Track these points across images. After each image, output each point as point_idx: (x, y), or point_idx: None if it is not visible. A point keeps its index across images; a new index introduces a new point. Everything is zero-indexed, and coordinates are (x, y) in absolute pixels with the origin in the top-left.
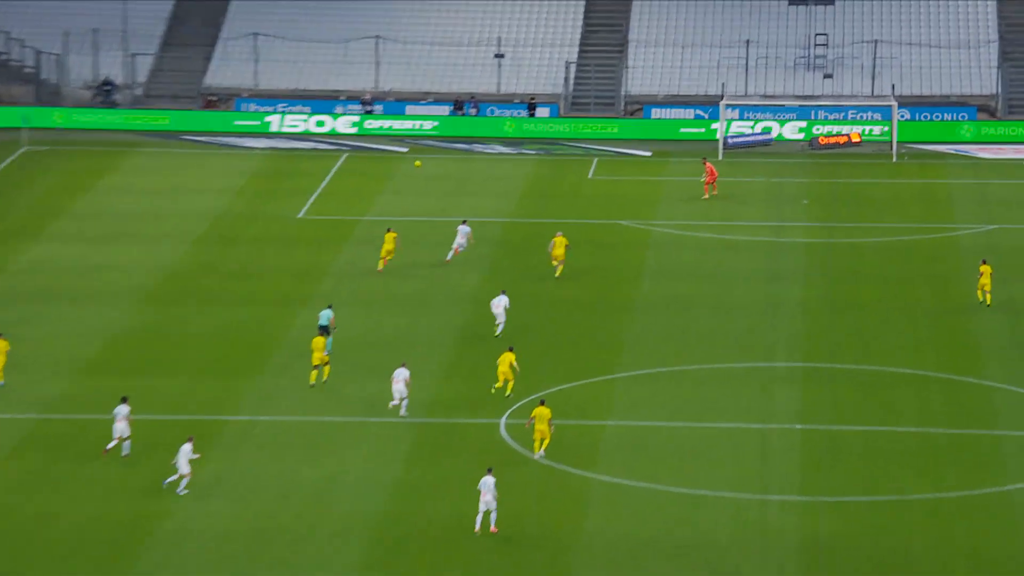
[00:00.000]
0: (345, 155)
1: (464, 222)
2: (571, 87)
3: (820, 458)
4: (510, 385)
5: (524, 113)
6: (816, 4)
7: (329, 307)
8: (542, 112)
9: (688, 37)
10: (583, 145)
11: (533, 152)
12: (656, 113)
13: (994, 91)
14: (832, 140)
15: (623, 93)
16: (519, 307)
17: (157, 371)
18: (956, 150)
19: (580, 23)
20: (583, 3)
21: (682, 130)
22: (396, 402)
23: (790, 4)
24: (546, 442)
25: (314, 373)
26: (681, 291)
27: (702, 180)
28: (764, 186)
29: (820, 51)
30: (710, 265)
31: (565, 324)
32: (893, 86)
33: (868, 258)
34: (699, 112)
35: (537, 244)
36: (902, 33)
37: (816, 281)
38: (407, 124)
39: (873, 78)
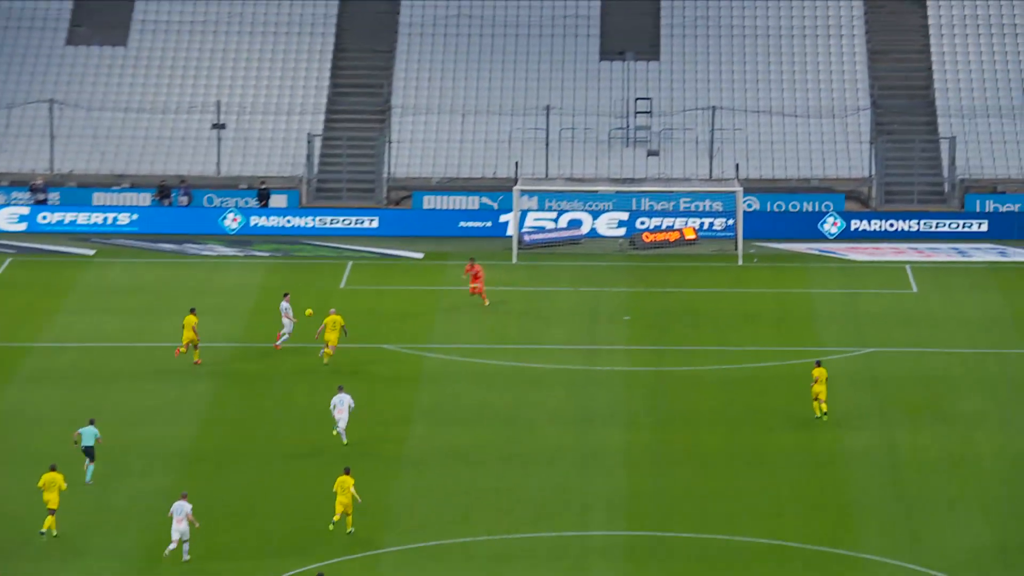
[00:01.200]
0: (8, 260)
1: (286, 296)
2: (316, 168)
3: None
4: (350, 519)
5: (253, 202)
6: (636, 59)
7: (91, 422)
8: (277, 201)
9: (470, 102)
10: (333, 245)
11: (266, 254)
12: (429, 202)
13: (866, 173)
14: (659, 237)
15: (385, 176)
16: (250, 461)
17: None
18: (819, 250)
19: (327, 83)
20: (330, 57)
21: (463, 224)
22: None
23: (602, 59)
24: None
25: (50, 519)
26: (465, 438)
27: (466, 281)
28: (572, 298)
29: (642, 120)
30: (503, 403)
31: (313, 483)
32: (737, 166)
33: (709, 392)
34: (485, 201)
35: (272, 377)
36: (748, 98)
37: (642, 423)
38: (94, 218)
39: (711, 156)
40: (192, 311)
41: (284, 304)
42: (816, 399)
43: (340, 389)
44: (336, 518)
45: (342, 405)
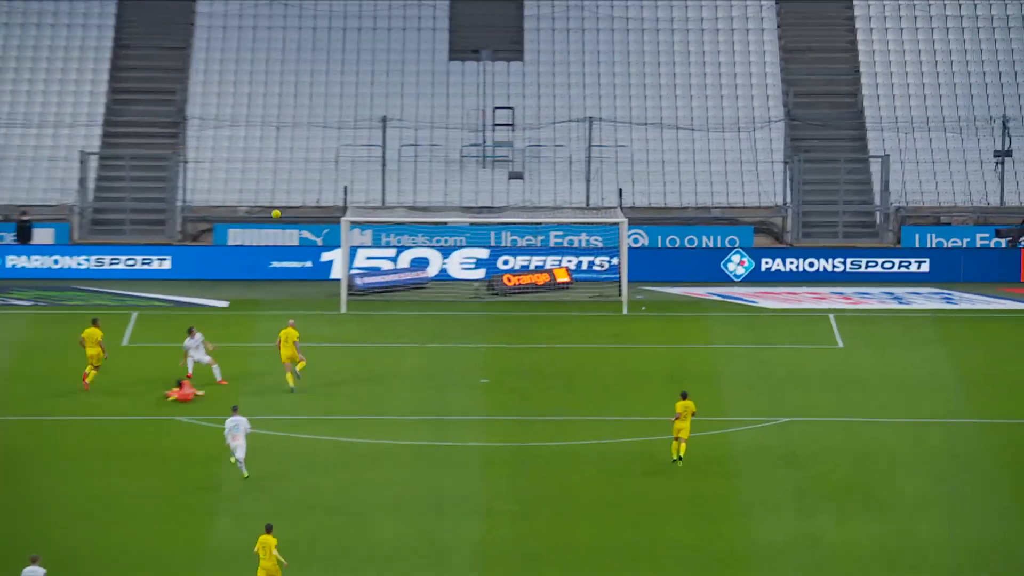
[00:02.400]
0: None
1: (191, 331)
2: (91, 195)
3: None
4: None
5: (11, 238)
6: (494, 59)
7: None
8: (42, 236)
9: (287, 112)
10: (113, 291)
11: (28, 303)
12: (235, 237)
13: (780, 200)
14: (525, 279)
15: (179, 204)
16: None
17: None
18: (722, 296)
19: (104, 89)
20: (108, 55)
21: (277, 264)
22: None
23: (452, 59)
24: None
25: None
26: (283, 532)
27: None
28: (417, 356)
29: (503, 135)
30: (331, 488)
31: None
32: (620, 192)
33: (585, 472)
34: (306, 235)
35: (35, 460)
36: (632, 107)
37: (503, 511)
38: None
39: (588, 179)
40: (94, 322)
41: (189, 341)
42: (676, 438)
43: (235, 411)
44: None
45: (238, 430)
